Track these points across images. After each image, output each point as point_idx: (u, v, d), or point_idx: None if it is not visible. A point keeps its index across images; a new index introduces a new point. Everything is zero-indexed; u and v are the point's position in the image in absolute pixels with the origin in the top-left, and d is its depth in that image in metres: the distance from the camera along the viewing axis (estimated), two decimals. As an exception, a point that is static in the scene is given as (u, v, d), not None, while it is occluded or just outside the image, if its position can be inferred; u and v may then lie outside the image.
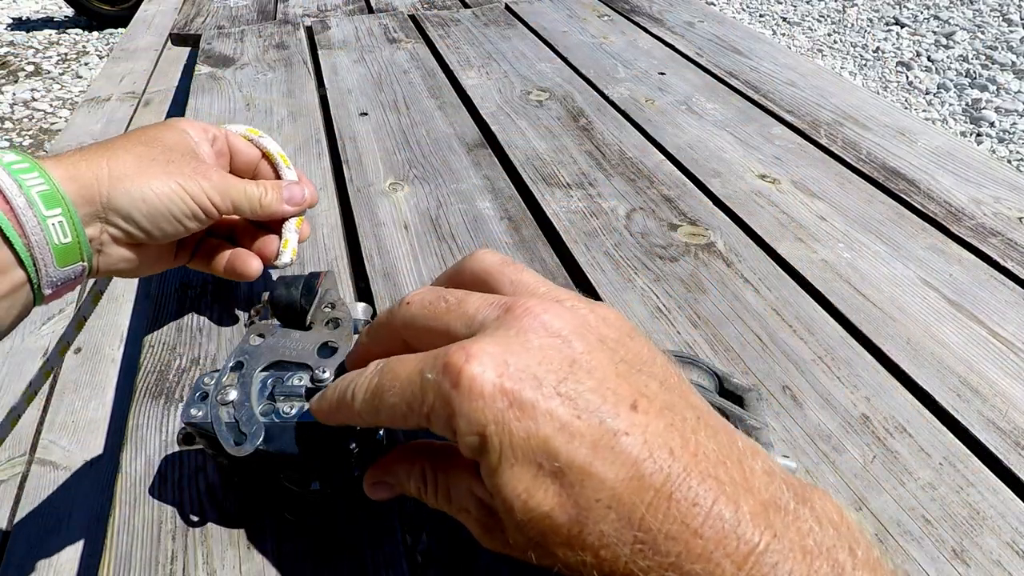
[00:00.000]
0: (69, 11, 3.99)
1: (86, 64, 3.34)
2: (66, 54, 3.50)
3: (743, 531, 0.19)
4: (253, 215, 0.43)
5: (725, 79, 0.96)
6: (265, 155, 0.47)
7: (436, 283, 0.31)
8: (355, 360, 0.31)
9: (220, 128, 0.46)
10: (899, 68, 3.03)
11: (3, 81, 3.16)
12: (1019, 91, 2.75)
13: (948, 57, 3.08)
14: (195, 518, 0.36)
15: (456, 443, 0.22)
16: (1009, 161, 2.30)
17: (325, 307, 0.36)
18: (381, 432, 0.33)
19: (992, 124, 2.53)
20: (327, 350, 0.33)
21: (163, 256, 0.44)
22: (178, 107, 2.03)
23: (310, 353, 0.33)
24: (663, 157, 0.76)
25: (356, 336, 0.34)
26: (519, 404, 0.21)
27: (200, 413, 0.32)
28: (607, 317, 0.25)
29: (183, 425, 0.33)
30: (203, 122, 0.45)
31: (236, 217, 0.46)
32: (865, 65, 3.09)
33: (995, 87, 2.77)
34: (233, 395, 0.32)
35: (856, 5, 3.80)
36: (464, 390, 0.21)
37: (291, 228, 0.46)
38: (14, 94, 3.00)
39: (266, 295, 0.37)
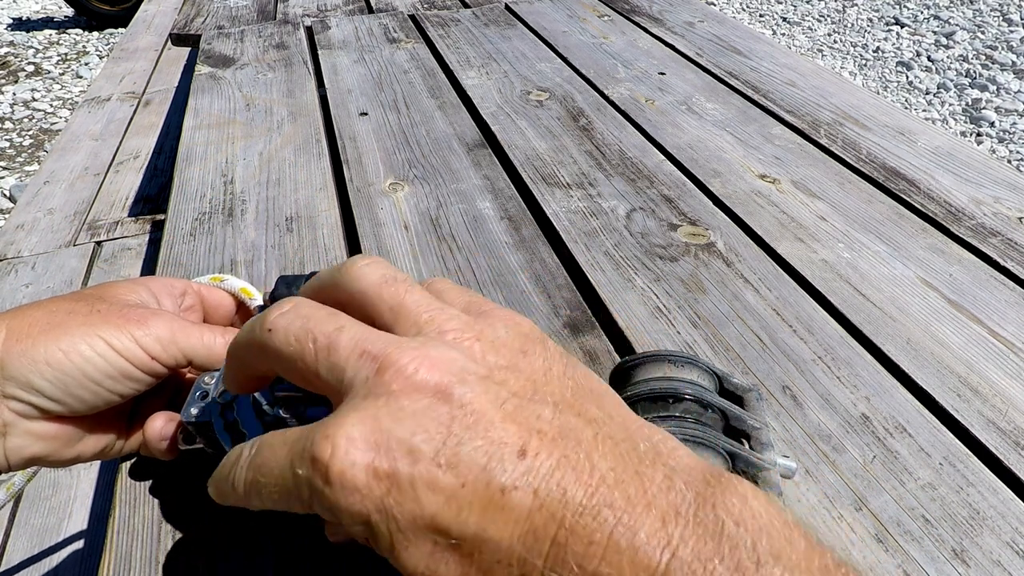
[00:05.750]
0: (69, 11, 4.00)
1: (86, 64, 3.34)
2: (66, 54, 3.50)
3: (642, 557, 0.19)
4: (211, 367, 0.34)
5: (725, 79, 0.96)
6: (233, 297, 0.41)
7: (309, 289, 0.27)
8: (228, 379, 0.28)
9: (191, 282, 0.39)
10: (899, 68, 3.03)
11: (3, 81, 3.16)
12: (1019, 91, 2.75)
13: (948, 57, 3.08)
14: (195, 518, 0.36)
15: None
16: (1009, 161, 2.31)
17: (325, 307, 0.36)
18: None
19: (992, 124, 2.53)
20: None
21: (108, 428, 0.34)
22: (178, 107, 2.03)
23: None
24: (663, 157, 0.76)
25: None
26: (398, 487, 0.20)
27: (199, 412, 0.32)
28: (496, 339, 0.23)
29: (183, 424, 0.33)
30: (171, 278, 0.38)
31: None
32: (865, 65, 3.09)
33: (995, 87, 2.77)
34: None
35: (856, 5, 3.80)
36: (336, 486, 0.20)
37: (235, 285, 0.41)
38: (14, 94, 3.00)
39: (266, 294, 0.37)
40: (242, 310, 0.41)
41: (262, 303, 0.40)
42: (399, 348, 0.21)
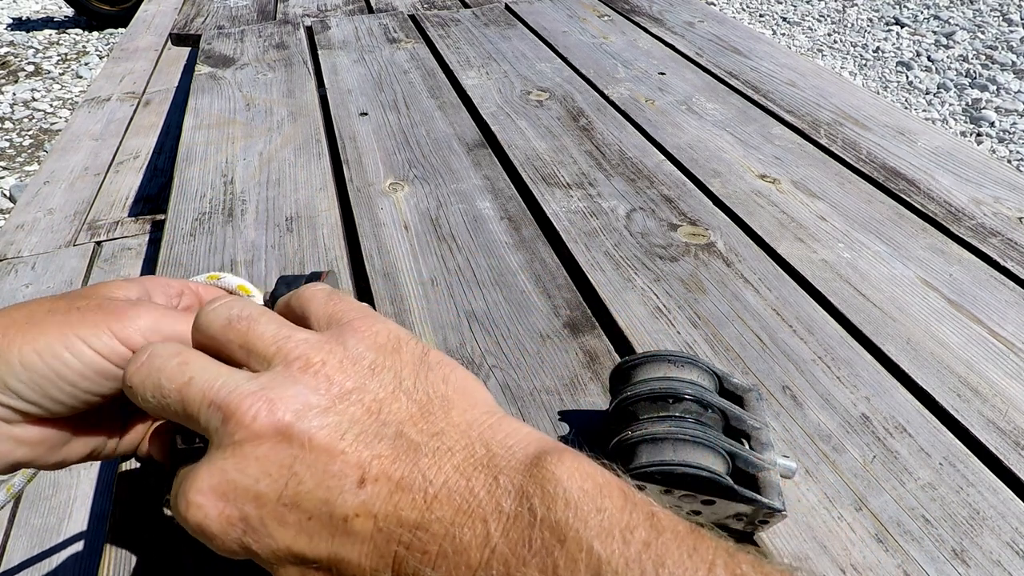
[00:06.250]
0: (69, 11, 4.00)
1: (86, 64, 3.34)
2: (66, 54, 3.50)
3: (465, 558, 0.21)
4: None
5: (725, 79, 0.96)
6: (231, 295, 0.37)
7: (192, 329, 0.28)
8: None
9: (189, 282, 0.38)
10: (899, 68, 3.03)
11: (3, 81, 3.16)
12: (1019, 91, 2.75)
13: (948, 57, 3.08)
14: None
15: None
16: (1009, 161, 2.30)
17: (325, 307, 0.36)
18: None
19: (992, 124, 2.53)
20: None
21: (96, 430, 0.33)
22: (178, 107, 2.03)
23: None
24: (663, 157, 0.76)
25: None
26: (251, 528, 0.22)
27: None
28: (346, 358, 0.25)
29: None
30: (169, 278, 0.37)
31: None
32: (865, 65, 3.09)
33: (995, 87, 2.77)
34: None
35: (856, 5, 3.80)
36: (200, 534, 0.22)
37: (232, 283, 0.40)
38: (14, 94, 3.00)
39: (267, 294, 0.37)
40: None
41: (262, 301, 0.39)
42: (240, 395, 0.23)
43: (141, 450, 0.35)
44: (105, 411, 0.33)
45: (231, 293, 0.40)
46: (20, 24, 3.91)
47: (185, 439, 0.34)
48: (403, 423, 0.23)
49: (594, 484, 0.22)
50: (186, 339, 0.31)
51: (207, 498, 0.22)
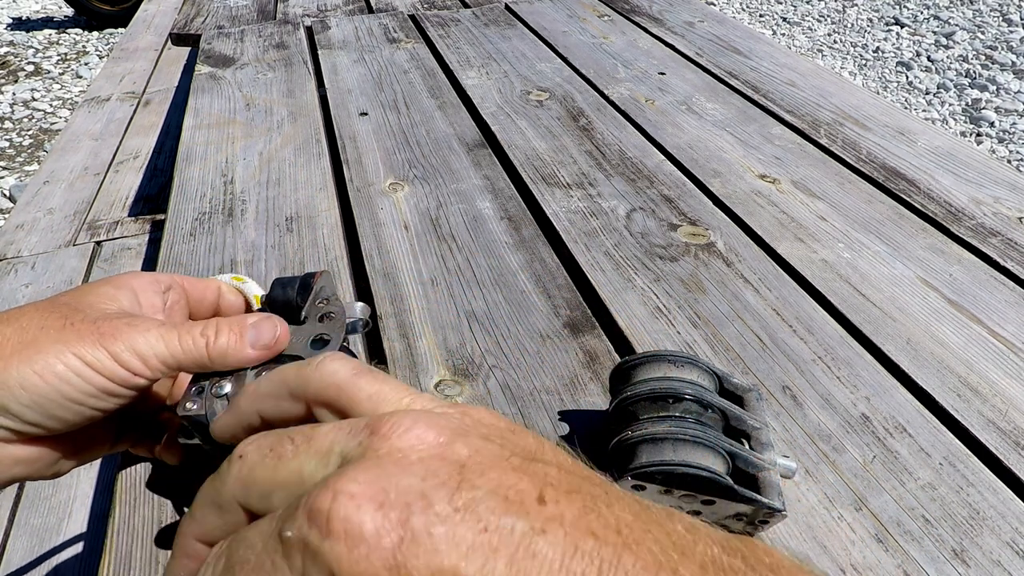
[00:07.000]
0: (69, 11, 4.00)
1: (86, 64, 3.34)
2: (66, 54, 3.50)
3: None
4: (210, 368, 0.32)
5: (725, 79, 0.96)
6: (247, 304, 0.39)
7: (266, 408, 0.25)
8: (182, 559, 0.24)
9: (179, 276, 0.36)
10: (899, 68, 3.03)
11: (3, 81, 3.16)
12: (1019, 91, 2.75)
13: (948, 57, 3.08)
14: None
15: None
16: (1009, 161, 2.30)
17: (319, 303, 0.36)
18: None
19: (992, 124, 2.53)
20: (319, 343, 0.34)
21: (92, 440, 0.33)
22: (178, 107, 2.03)
23: (303, 346, 0.33)
24: (663, 157, 0.76)
25: (346, 329, 0.34)
26: (413, 537, 0.17)
27: (196, 407, 0.32)
28: (482, 418, 0.23)
29: (180, 418, 0.33)
30: (158, 273, 0.35)
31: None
32: (865, 65, 3.09)
33: (995, 87, 2.77)
34: (228, 388, 0.32)
35: (856, 5, 3.80)
36: (339, 538, 0.17)
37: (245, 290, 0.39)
38: (14, 94, 3.00)
39: (264, 295, 0.37)
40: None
41: (260, 304, 0.39)
42: (389, 412, 0.21)
43: (134, 449, 0.34)
44: (102, 422, 0.33)
45: (246, 302, 0.39)
46: (20, 24, 3.92)
47: (184, 433, 0.34)
48: (561, 466, 0.21)
49: (791, 561, 0.20)
50: (178, 357, 0.30)
51: (364, 491, 0.17)
